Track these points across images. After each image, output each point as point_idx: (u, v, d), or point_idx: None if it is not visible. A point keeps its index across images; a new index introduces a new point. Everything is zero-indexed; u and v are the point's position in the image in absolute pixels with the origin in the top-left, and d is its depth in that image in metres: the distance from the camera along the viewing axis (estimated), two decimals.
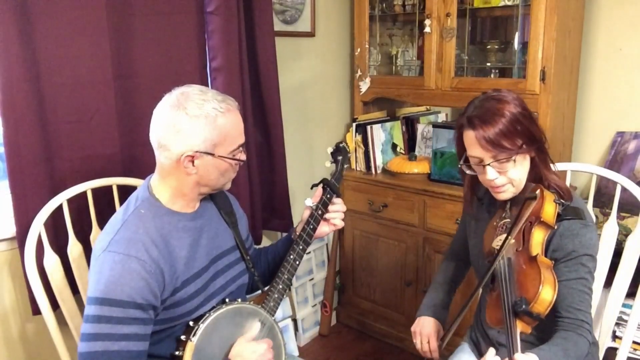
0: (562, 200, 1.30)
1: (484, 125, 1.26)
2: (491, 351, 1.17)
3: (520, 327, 1.16)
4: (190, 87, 1.26)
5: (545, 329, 1.28)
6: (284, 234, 2.27)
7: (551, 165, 1.37)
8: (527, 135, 1.28)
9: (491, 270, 1.26)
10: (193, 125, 1.21)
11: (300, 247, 1.46)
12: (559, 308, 1.25)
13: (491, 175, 1.29)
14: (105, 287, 1.15)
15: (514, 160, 1.28)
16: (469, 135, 1.29)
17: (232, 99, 1.30)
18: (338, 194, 1.52)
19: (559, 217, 1.28)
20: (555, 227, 1.27)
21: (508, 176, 1.30)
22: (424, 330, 1.51)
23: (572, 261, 1.26)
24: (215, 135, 1.23)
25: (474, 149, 1.29)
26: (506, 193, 1.33)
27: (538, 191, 1.28)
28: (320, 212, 1.48)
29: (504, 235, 1.28)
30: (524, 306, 1.14)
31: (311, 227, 1.47)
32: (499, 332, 1.40)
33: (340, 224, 1.52)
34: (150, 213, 1.26)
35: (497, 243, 1.32)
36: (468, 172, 1.36)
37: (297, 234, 1.48)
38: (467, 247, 1.56)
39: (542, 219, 1.26)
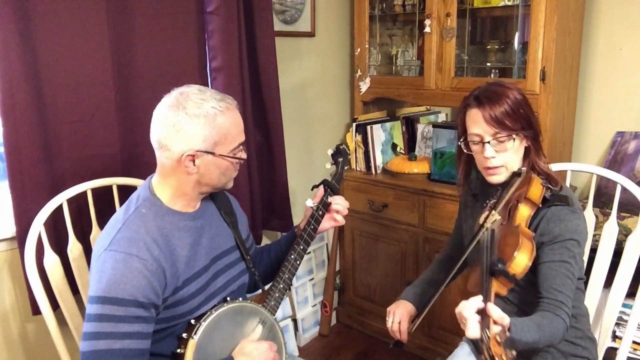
0: (549, 186, 1.36)
1: (490, 103, 1.33)
2: (478, 297, 1.16)
3: (496, 287, 1.19)
4: (189, 87, 1.27)
5: (527, 308, 1.31)
6: (284, 234, 2.27)
7: (543, 158, 1.42)
8: (526, 120, 1.35)
9: (475, 241, 1.30)
10: (193, 124, 1.21)
11: (301, 247, 1.47)
12: (540, 289, 1.29)
13: (489, 152, 1.34)
14: (107, 285, 1.16)
15: (514, 140, 1.34)
16: (474, 113, 1.36)
17: (230, 97, 1.30)
18: (339, 195, 1.54)
19: (547, 202, 1.33)
20: (541, 206, 1.32)
21: (504, 158, 1.35)
22: (397, 310, 1.53)
23: (557, 244, 1.30)
24: (215, 134, 1.24)
25: (477, 126, 1.35)
26: (499, 176, 1.38)
27: (524, 169, 1.34)
28: (320, 212, 1.49)
29: (488, 210, 1.34)
30: (499, 265, 1.18)
31: (312, 227, 1.48)
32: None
33: (341, 219, 1.53)
34: (151, 212, 1.26)
35: (482, 219, 1.35)
36: (466, 150, 1.41)
37: (302, 228, 1.49)
38: (462, 250, 1.56)
39: (527, 197, 1.31)
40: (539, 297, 1.29)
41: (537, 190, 1.33)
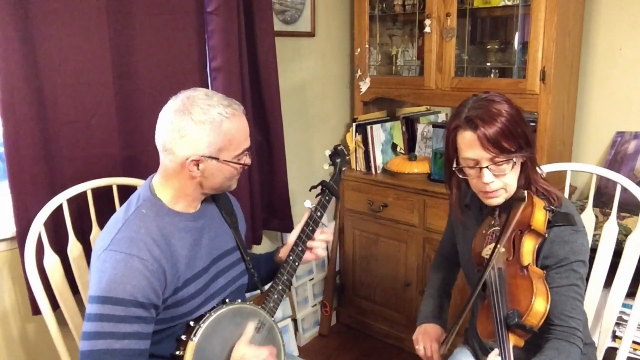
0: (552, 207, 1.28)
1: (484, 125, 1.22)
2: (494, 352, 1.16)
3: (513, 341, 1.15)
4: (196, 91, 1.26)
5: (535, 334, 1.27)
6: (284, 234, 2.27)
7: (538, 169, 1.35)
8: (523, 137, 1.26)
9: (482, 281, 1.26)
10: (198, 130, 1.21)
11: (300, 249, 1.46)
12: (550, 315, 1.22)
13: (488, 178, 1.25)
14: (107, 285, 1.16)
15: (513, 163, 1.25)
16: (467, 136, 1.25)
17: (237, 103, 1.29)
18: (337, 196, 1.54)
19: (549, 224, 1.26)
20: (546, 235, 1.26)
21: (503, 181, 1.27)
22: (426, 335, 1.50)
23: (563, 267, 1.25)
24: (220, 140, 1.23)
25: (472, 150, 1.25)
26: (499, 198, 1.30)
27: (526, 193, 1.27)
28: (319, 213, 1.49)
29: (493, 245, 1.27)
30: (516, 319, 1.12)
31: (310, 228, 1.48)
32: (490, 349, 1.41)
33: (322, 253, 1.52)
34: (151, 213, 1.26)
35: (486, 252, 1.31)
36: (461, 176, 1.31)
37: (283, 259, 1.47)
38: (456, 250, 1.56)
39: (532, 227, 1.24)
40: (550, 324, 1.24)
41: (540, 217, 1.25)
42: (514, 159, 1.26)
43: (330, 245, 2.83)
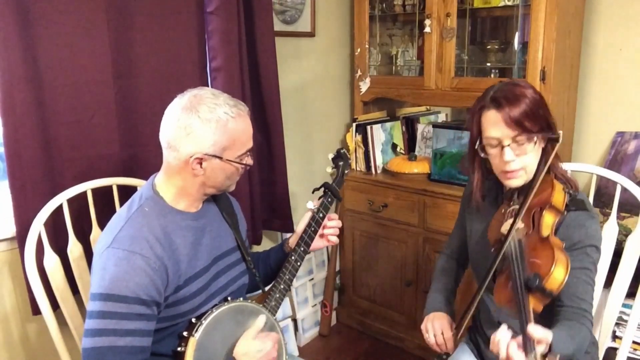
0: (570, 191, 1.32)
1: (509, 105, 1.27)
2: (503, 327, 1.14)
3: (532, 304, 1.15)
4: (202, 90, 1.28)
5: (543, 316, 1.27)
6: (285, 234, 2.28)
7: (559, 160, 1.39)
8: (545, 121, 1.30)
9: (502, 252, 1.26)
10: (204, 128, 1.22)
11: (302, 249, 1.48)
12: (562, 296, 1.24)
13: (509, 156, 1.28)
14: (109, 283, 1.16)
15: (534, 142, 1.29)
16: (492, 115, 1.30)
17: (243, 103, 1.31)
18: (339, 198, 1.56)
19: (566, 207, 1.29)
20: (565, 213, 1.29)
21: (523, 161, 1.30)
22: (436, 323, 1.47)
23: (577, 251, 1.27)
24: (225, 139, 1.24)
25: (496, 129, 1.29)
26: (518, 180, 1.33)
27: (561, 132, 1.29)
28: (321, 214, 1.50)
29: (512, 219, 1.29)
30: (537, 281, 1.13)
31: (312, 229, 1.49)
32: (498, 323, 1.41)
33: (334, 240, 1.54)
34: (154, 211, 1.27)
35: (505, 228, 1.32)
36: (482, 154, 1.35)
37: (292, 248, 1.50)
38: (463, 249, 1.56)
39: (552, 204, 1.27)
40: (561, 305, 1.26)
41: (560, 196, 1.29)
42: (535, 139, 1.29)
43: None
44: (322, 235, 1.54)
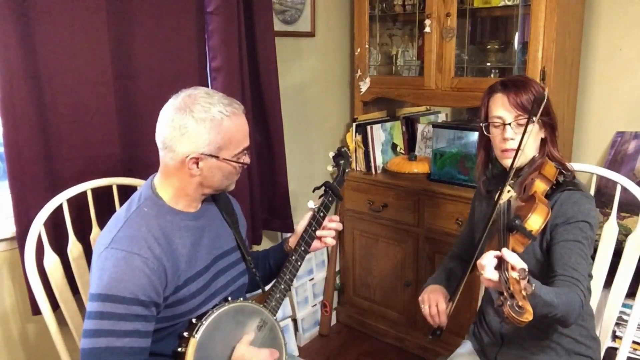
0: (562, 169, 1.39)
1: (515, 89, 1.39)
2: (489, 252, 1.16)
3: (512, 242, 1.22)
4: (197, 90, 1.27)
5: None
6: (285, 234, 2.27)
7: (557, 149, 1.47)
8: (547, 111, 1.40)
9: (494, 212, 1.33)
10: (199, 128, 1.22)
11: (302, 249, 1.47)
12: (554, 267, 1.29)
13: (509, 133, 1.39)
14: (108, 283, 1.16)
15: (533, 123, 1.35)
16: (498, 96, 1.41)
17: (238, 102, 1.30)
18: (340, 197, 1.55)
19: (561, 186, 1.37)
20: (555, 182, 1.37)
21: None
22: (432, 295, 1.51)
23: (570, 225, 1.32)
24: (220, 138, 1.24)
25: (500, 109, 1.40)
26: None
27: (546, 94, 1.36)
28: (322, 214, 1.50)
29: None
30: (516, 221, 1.22)
31: (313, 228, 1.48)
32: (501, 323, 1.43)
33: (331, 242, 1.53)
34: (153, 211, 1.27)
35: (497, 196, 1.38)
36: (486, 133, 1.45)
37: (292, 247, 1.49)
38: (473, 246, 1.56)
39: (542, 173, 1.36)
40: (553, 275, 1.28)
41: (551, 169, 1.37)
42: (534, 119, 1.35)
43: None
44: (318, 237, 1.51)
